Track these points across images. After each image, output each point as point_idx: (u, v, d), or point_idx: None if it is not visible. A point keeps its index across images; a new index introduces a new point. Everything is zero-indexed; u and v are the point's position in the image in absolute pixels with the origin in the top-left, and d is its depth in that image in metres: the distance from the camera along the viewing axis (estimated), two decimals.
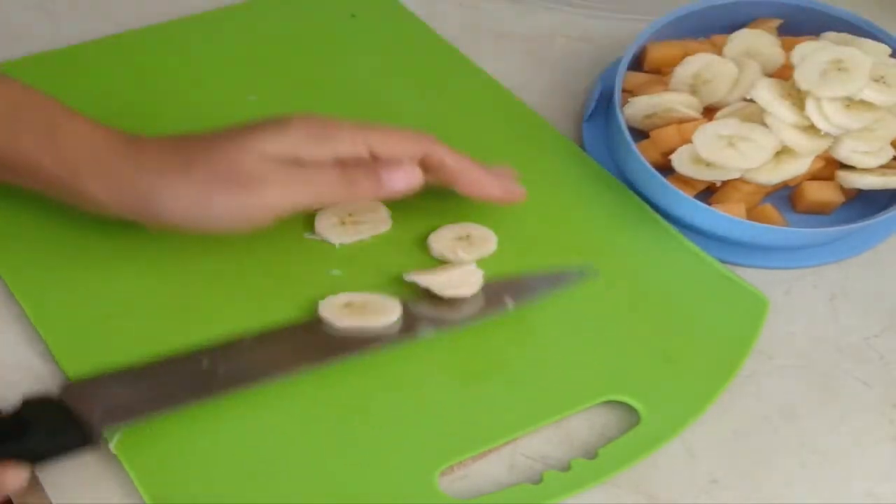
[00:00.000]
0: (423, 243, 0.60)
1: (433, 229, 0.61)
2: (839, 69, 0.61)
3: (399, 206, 0.60)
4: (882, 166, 0.64)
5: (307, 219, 0.60)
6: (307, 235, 0.60)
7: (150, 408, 0.51)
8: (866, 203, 0.66)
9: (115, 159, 0.54)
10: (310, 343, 0.55)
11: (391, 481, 0.52)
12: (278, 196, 0.54)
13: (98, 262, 0.58)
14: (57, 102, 0.56)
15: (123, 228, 0.57)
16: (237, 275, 0.58)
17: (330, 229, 0.60)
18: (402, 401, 0.54)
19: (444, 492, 0.51)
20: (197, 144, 0.55)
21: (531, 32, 0.77)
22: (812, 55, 0.62)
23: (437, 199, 0.61)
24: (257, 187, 0.54)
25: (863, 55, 0.62)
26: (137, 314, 0.57)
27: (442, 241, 0.60)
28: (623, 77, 0.67)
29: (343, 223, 0.60)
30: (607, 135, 0.68)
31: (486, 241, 0.60)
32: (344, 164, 0.55)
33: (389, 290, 0.58)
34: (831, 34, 0.69)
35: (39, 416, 0.49)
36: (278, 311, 0.57)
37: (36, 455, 0.49)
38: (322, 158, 0.55)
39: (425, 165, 0.57)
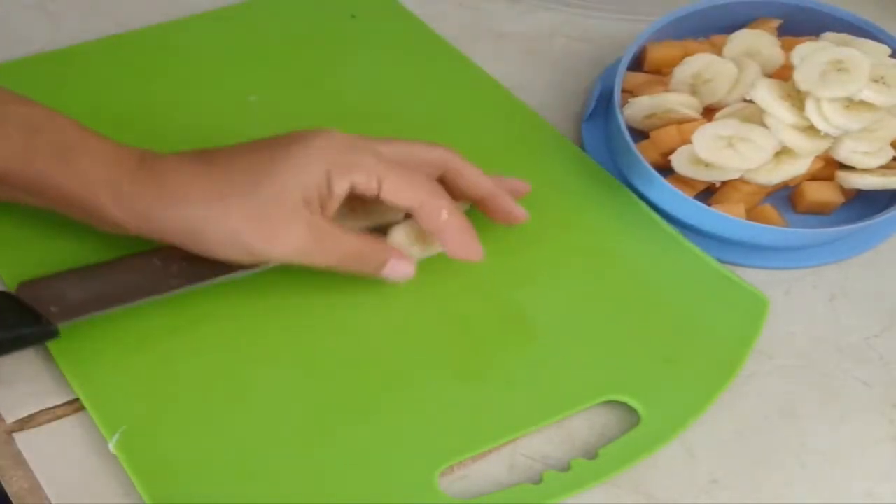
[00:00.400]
0: None
1: None
2: (839, 70, 0.61)
3: None
4: (882, 166, 0.64)
5: None
6: None
7: (105, 303, 0.54)
8: (866, 203, 0.66)
9: (130, 184, 0.54)
10: None
11: (391, 481, 0.52)
12: (299, 255, 0.54)
13: None
14: (75, 124, 0.55)
15: None
16: None
17: None
18: (402, 401, 0.54)
19: (444, 492, 0.51)
20: (234, 178, 0.54)
21: (531, 32, 0.77)
22: (811, 56, 0.62)
23: None
24: (284, 241, 0.54)
25: (862, 55, 0.61)
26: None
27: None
28: (623, 77, 0.67)
29: None
30: (607, 135, 0.68)
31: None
32: (364, 237, 0.56)
33: None
34: (831, 34, 0.69)
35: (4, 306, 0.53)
36: None
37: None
38: (338, 194, 0.54)
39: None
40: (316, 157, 0.54)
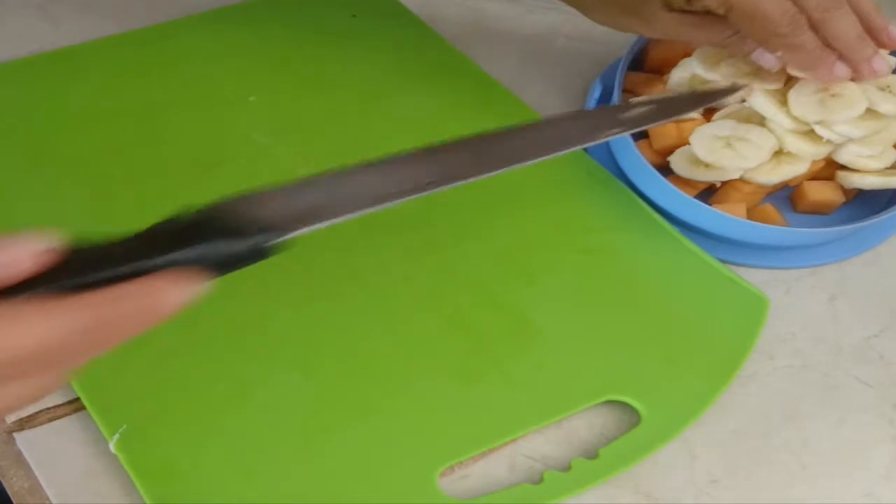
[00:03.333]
0: None
1: None
2: (832, 96, 0.61)
3: None
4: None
5: None
6: None
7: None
8: (866, 203, 0.66)
9: None
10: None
11: (391, 481, 0.52)
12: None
13: None
14: None
15: None
16: None
17: None
18: (402, 401, 0.54)
19: (444, 492, 0.52)
20: None
21: (531, 32, 0.77)
22: (799, 90, 0.62)
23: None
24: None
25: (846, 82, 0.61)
26: None
27: None
28: (623, 77, 0.67)
29: None
30: None
31: None
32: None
33: None
34: None
35: (215, 222, 0.42)
36: None
37: (212, 264, 0.42)
38: None
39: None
40: None
